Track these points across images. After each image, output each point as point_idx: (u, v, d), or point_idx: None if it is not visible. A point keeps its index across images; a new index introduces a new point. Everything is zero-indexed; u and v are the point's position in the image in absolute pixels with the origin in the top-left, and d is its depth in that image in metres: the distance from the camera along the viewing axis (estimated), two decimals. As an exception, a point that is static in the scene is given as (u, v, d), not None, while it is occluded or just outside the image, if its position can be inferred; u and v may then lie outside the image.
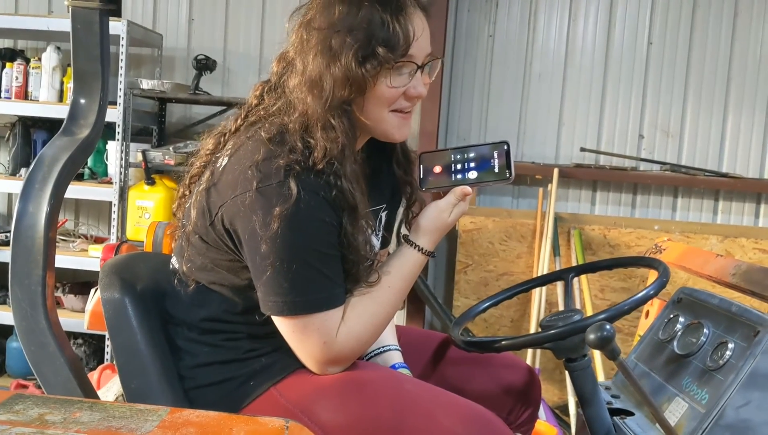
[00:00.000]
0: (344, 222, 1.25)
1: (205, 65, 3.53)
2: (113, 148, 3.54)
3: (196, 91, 3.55)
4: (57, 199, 1.46)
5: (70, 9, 1.51)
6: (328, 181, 1.23)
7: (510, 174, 1.31)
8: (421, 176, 1.39)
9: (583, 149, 3.74)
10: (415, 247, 1.34)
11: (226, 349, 1.33)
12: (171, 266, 1.42)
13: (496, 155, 1.33)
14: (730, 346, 1.31)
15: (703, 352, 1.37)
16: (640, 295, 1.30)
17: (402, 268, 1.33)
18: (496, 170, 1.33)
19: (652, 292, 1.31)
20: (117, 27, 3.40)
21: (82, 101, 1.58)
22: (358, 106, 1.28)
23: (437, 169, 1.37)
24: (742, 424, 1.24)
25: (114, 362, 1.33)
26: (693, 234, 3.64)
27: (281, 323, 1.26)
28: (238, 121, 1.36)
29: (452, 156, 1.37)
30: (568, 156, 3.81)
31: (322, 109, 1.24)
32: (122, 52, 3.43)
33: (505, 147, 1.33)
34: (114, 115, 3.45)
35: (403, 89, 1.29)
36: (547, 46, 3.81)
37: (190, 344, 1.34)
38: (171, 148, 3.50)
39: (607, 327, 1.04)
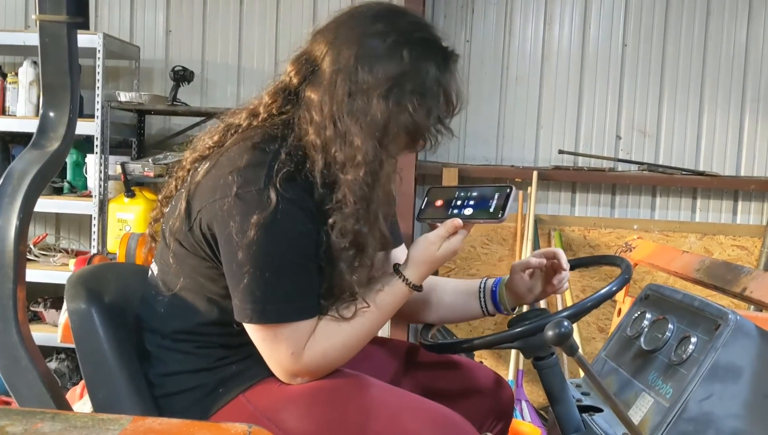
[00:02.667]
0: (345, 258, 1.25)
1: (182, 76, 3.53)
2: (92, 161, 3.54)
3: (174, 103, 3.55)
4: (26, 213, 1.46)
5: (37, 23, 1.52)
6: (346, 220, 1.24)
7: (502, 215, 1.32)
8: (422, 207, 1.44)
9: (561, 151, 3.77)
10: (401, 278, 1.33)
11: (197, 356, 1.33)
12: (150, 273, 1.42)
13: (496, 197, 1.35)
14: (693, 340, 1.33)
15: (668, 346, 1.38)
16: (602, 291, 1.32)
17: (383, 297, 1.32)
18: (491, 210, 1.34)
19: (614, 289, 1.33)
20: (93, 40, 3.41)
21: (52, 114, 1.59)
22: (396, 155, 1.33)
23: (439, 202, 1.41)
24: (704, 417, 1.25)
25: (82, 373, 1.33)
26: (672, 232, 3.68)
27: (252, 331, 1.26)
28: (245, 121, 1.33)
29: (457, 193, 1.40)
30: (546, 158, 3.83)
31: (374, 153, 1.25)
32: (99, 65, 3.43)
33: (508, 190, 1.35)
34: (92, 128, 3.45)
35: None
36: (524, 50, 3.85)
37: (162, 351, 1.34)
38: (150, 160, 3.50)
39: (565, 323, 1.05)
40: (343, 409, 1.26)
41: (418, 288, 1.34)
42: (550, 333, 1.05)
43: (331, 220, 1.22)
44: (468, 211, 1.35)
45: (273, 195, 1.19)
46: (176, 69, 3.56)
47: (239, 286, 1.23)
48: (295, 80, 1.32)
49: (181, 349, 1.33)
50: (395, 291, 1.33)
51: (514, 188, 1.34)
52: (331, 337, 1.27)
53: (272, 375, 1.30)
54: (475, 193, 1.37)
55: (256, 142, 1.26)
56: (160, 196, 1.44)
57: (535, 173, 3.64)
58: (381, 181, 1.27)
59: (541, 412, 3.39)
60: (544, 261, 1.49)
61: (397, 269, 1.34)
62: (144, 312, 1.38)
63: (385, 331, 3.35)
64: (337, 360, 1.29)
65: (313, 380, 1.29)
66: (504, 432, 1.58)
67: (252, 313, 1.23)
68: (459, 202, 1.37)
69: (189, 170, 1.37)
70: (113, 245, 3.48)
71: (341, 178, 1.24)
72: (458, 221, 1.32)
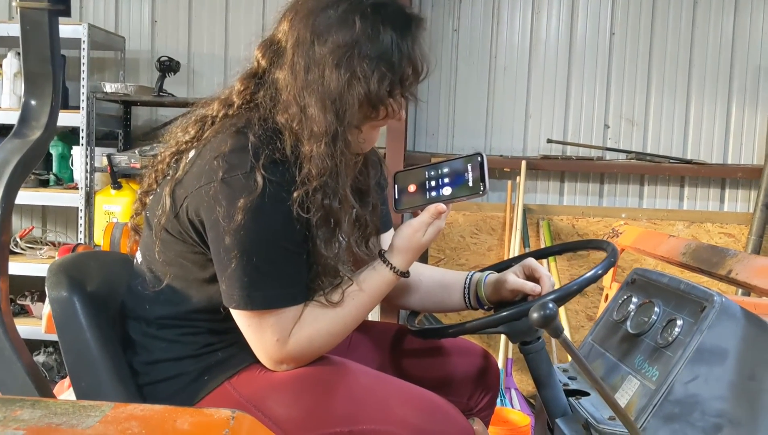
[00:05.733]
0: (320, 235, 1.24)
1: (168, 67, 3.51)
2: (78, 153, 3.51)
3: (161, 94, 3.53)
4: (8, 202, 1.44)
5: (18, 10, 1.50)
6: (313, 195, 1.22)
7: (484, 187, 1.29)
8: (396, 196, 1.38)
9: (549, 141, 3.77)
10: (387, 265, 1.32)
11: (182, 344, 1.32)
12: (135, 261, 1.41)
13: (470, 168, 1.31)
14: (679, 322, 1.32)
15: (654, 330, 1.38)
16: (587, 275, 1.31)
17: (370, 283, 1.32)
18: (470, 184, 1.30)
19: (600, 272, 1.33)
20: (78, 30, 3.38)
21: (33, 103, 1.57)
22: (360, 127, 1.30)
23: (411, 188, 1.36)
24: (690, 399, 1.25)
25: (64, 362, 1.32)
26: (660, 220, 3.69)
27: (238, 316, 1.26)
28: (221, 110, 1.32)
29: (426, 173, 1.35)
30: (535, 148, 3.83)
31: (332, 125, 1.23)
32: (84, 56, 3.41)
33: (479, 159, 1.31)
34: (77, 119, 3.42)
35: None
36: (512, 40, 3.84)
37: (147, 339, 1.33)
38: (137, 152, 3.48)
39: (550, 305, 1.05)
40: (329, 397, 1.26)
41: (405, 274, 1.34)
42: (535, 315, 1.05)
43: (296, 195, 1.20)
44: (447, 191, 1.32)
45: (259, 178, 1.18)
46: (162, 59, 3.53)
47: (226, 272, 1.22)
48: (263, 63, 1.31)
49: (165, 336, 1.32)
50: (381, 277, 1.32)
51: (484, 154, 1.31)
52: (316, 323, 1.26)
53: (258, 362, 1.29)
54: (446, 170, 1.34)
55: (240, 127, 1.25)
56: (139, 191, 1.43)
57: (523, 163, 3.64)
58: (345, 154, 1.25)
59: (531, 401, 3.40)
60: (538, 288, 1.44)
61: (382, 256, 1.34)
62: (129, 300, 1.37)
63: (375, 316, 3.35)
64: (323, 346, 1.29)
65: (298, 367, 1.28)
66: (492, 403, 1.59)
67: (239, 298, 1.22)
68: (433, 183, 1.33)
69: (169, 163, 1.35)
70: (100, 237, 3.46)
71: (304, 152, 1.22)
72: (441, 206, 1.31)
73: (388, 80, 1.26)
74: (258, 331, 1.25)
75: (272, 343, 1.24)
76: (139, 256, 1.39)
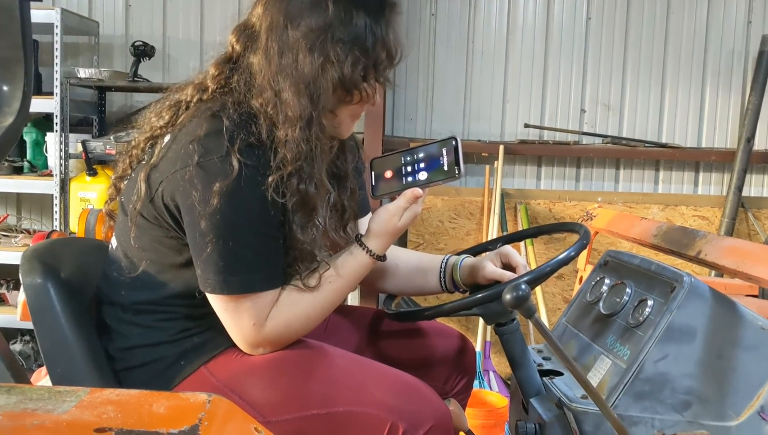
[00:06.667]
0: (296, 220, 1.24)
1: (143, 52, 3.47)
2: (52, 139, 3.47)
3: (136, 79, 3.49)
4: (-19, 189, 1.43)
5: (-14, -6, 1.48)
6: (288, 180, 1.22)
7: (459, 171, 1.30)
8: (373, 183, 1.39)
9: (527, 125, 3.79)
10: (364, 249, 1.33)
11: (158, 330, 1.32)
12: (110, 247, 1.40)
13: (444, 153, 1.32)
14: (650, 303, 1.35)
15: (626, 310, 1.41)
16: (560, 256, 1.33)
17: (347, 267, 1.32)
18: (446, 168, 1.31)
19: (572, 253, 1.34)
20: (51, 15, 3.33)
21: (5, 88, 1.54)
22: (334, 112, 1.30)
23: (388, 174, 1.37)
24: (660, 377, 1.28)
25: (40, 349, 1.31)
26: (635, 204, 3.74)
27: (215, 301, 1.26)
28: (195, 95, 1.32)
29: (402, 159, 1.36)
30: (512, 133, 3.85)
31: (307, 109, 1.23)
32: (57, 41, 3.36)
33: (454, 143, 1.32)
34: (51, 105, 3.38)
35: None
36: (489, 25, 3.84)
37: (122, 325, 1.33)
38: (112, 138, 3.44)
39: (522, 287, 1.06)
40: (306, 380, 1.27)
41: (381, 258, 1.35)
42: (508, 296, 1.06)
43: (270, 179, 1.20)
44: (423, 176, 1.33)
45: (235, 162, 1.18)
46: (137, 44, 3.49)
47: (202, 256, 1.22)
48: (237, 48, 1.31)
49: (141, 322, 1.32)
50: (358, 261, 1.33)
51: (458, 138, 1.32)
52: (293, 307, 1.27)
53: (234, 346, 1.30)
54: (421, 155, 1.35)
55: (215, 111, 1.24)
56: (113, 177, 1.42)
57: (501, 147, 3.66)
58: (320, 138, 1.25)
59: (508, 382, 3.44)
60: (506, 274, 1.46)
61: (359, 240, 1.34)
62: (104, 286, 1.37)
63: (354, 301, 3.36)
64: (299, 330, 1.29)
65: (275, 351, 1.29)
66: (469, 386, 1.61)
67: (215, 283, 1.23)
68: (409, 169, 1.35)
69: (143, 149, 1.35)
70: (76, 225, 3.43)
71: (279, 137, 1.23)
72: (418, 191, 1.32)
73: (362, 64, 1.26)
74: (234, 316, 1.25)
75: (249, 327, 1.25)
76: (114, 242, 1.39)
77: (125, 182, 1.38)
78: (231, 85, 1.29)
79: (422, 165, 1.34)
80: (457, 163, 1.30)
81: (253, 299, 1.24)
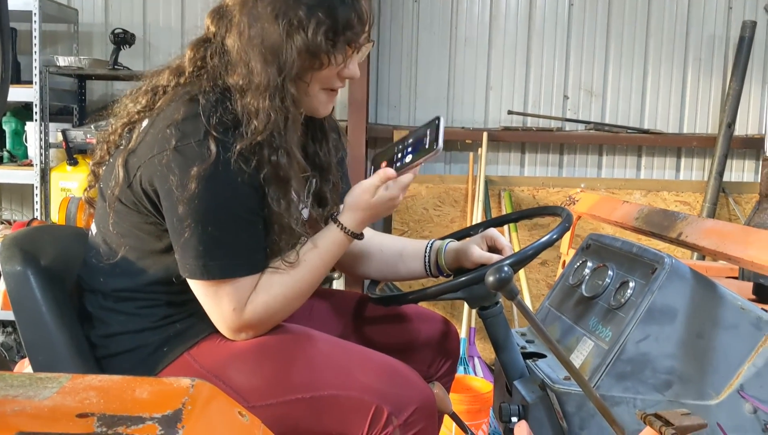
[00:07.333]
0: (271, 193, 1.23)
1: (123, 39, 3.43)
2: (32, 129, 3.42)
3: (116, 67, 3.45)
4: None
5: (-40, -21, 1.45)
6: (259, 151, 1.21)
7: (436, 145, 1.29)
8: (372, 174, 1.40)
9: (510, 112, 3.80)
10: (337, 224, 1.33)
11: (140, 317, 1.31)
12: (90, 233, 1.39)
13: (428, 133, 1.32)
14: (631, 284, 1.36)
15: (608, 292, 1.42)
16: (543, 239, 1.34)
17: (322, 245, 1.32)
18: (426, 146, 1.31)
19: (555, 236, 1.35)
20: (29, 3, 3.28)
21: (-19, 76, 1.53)
22: (304, 80, 1.28)
23: (383, 164, 1.37)
24: (641, 357, 1.29)
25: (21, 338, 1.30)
26: (618, 190, 3.76)
27: (195, 286, 1.25)
28: (172, 79, 1.31)
29: (395, 148, 1.38)
30: (496, 119, 3.86)
31: (275, 78, 1.22)
32: (35, 29, 3.31)
33: (436, 122, 1.32)
34: (30, 94, 3.33)
35: (338, 69, 1.30)
36: (472, 11, 3.84)
37: (104, 312, 1.32)
38: (93, 127, 3.40)
39: (505, 269, 1.07)
40: (290, 364, 1.27)
41: (357, 235, 1.34)
42: (491, 278, 1.07)
43: (239, 147, 1.19)
44: (408, 159, 1.33)
45: (213, 146, 1.17)
46: (116, 32, 3.45)
47: (180, 241, 1.21)
48: (212, 29, 1.31)
49: (123, 309, 1.31)
50: (333, 238, 1.33)
51: (441, 118, 1.32)
52: (271, 288, 1.27)
53: (217, 332, 1.29)
54: (411, 140, 1.36)
55: (194, 95, 1.24)
56: (91, 163, 1.40)
57: (485, 134, 3.67)
58: (289, 108, 1.24)
59: (493, 368, 3.46)
60: (494, 257, 1.47)
61: (333, 217, 1.35)
62: (84, 273, 1.36)
63: (339, 287, 3.36)
64: (279, 312, 1.29)
65: (257, 335, 1.29)
66: (452, 370, 1.62)
67: (195, 268, 1.22)
68: (399, 155, 1.36)
69: (121, 134, 1.34)
70: (57, 215, 3.40)
71: (249, 108, 1.22)
72: (389, 171, 1.31)
73: (325, 26, 1.25)
74: (215, 301, 1.25)
75: (229, 312, 1.25)
76: (93, 229, 1.38)
77: (104, 168, 1.36)
78: (206, 66, 1.28)
79: (410, 149, 1.35)
80: (436, 139, 1.30)
81: (233, 284, 1.23)
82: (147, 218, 1.27)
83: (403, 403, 1.24)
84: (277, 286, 1.27)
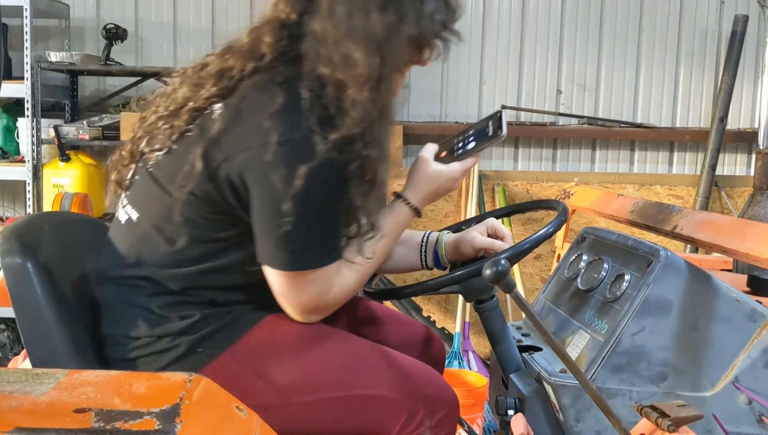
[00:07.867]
0: (353, 185, 1.21)
1: (115, 35, 3.41)
2: (24, 125, 3.40)
3: (108, 62, 3.43)
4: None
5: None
6: (352, 144, 1.19)
7: (501, 131, 1.33)
8: None
9: (504, 106, 3.80)
10: (402, 200, 1.34)
11: (177, 315, 1.25)
12: (124, 219, 1.31)
13: (490, 123, 1.36)
14: (627, 277, 1.37)
15: (603, 285, 1.43)
16: (539, 233, 1.34)
17: (387, 224, 1.32)
18: (490, 134, 1.35)
19: (551, 230, 1.36)
20: (20, -2, 3.26)
21: (-27, 72, 1.52)
22: (402, 71, 1.28)
23: (443, 154, 1.40)
24: (637, 349, 1.30)
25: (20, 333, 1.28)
26: (611, 184, 3.77)
27: (278, 276, 1.22)
28: (248, 64, 1.24)
29: (455, 138, 1.41)
30: (490, 114, 3.85)
31: (377, 69, 1.19)
32: (27, 24, 3.29)
33: (498, 114, 1.36)
34: (22, 90, 3.32)
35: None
36: (465, 5, 3.83)
37: (134, 309, 1.25)
38: (85, 123, 3.39)
39: (502, 262, 1.07)
40: (328, 363, 1.27)
41: (419, 211, 1.35)
42: (487, 271, 1.07)
43: (335, 139, 1.16)
44: (471, 145, 1.37)
45: (317, 141, 1.15)
46: (108, 27, 3.43)
47: (274, 234, 1.18)
48: (293, 15, 1.24)
49: (160, 305, 1.25)
50: (398, 214, 1.34)
51: (503, 111, 1.39)
52: (352, 268, 1.27)
53: (249, 329, 1.27)
54: (472, 131, 1.39)
55: (285, 84, 1.19)
56: (129, 141, 1.34)
57: (478, 129, 3.66)
58: (387, 102, 1.23)
59: (488, 362, 3.47)
60: (505, 246, 1.47)
61: (396, 193, 1.36)
62: (110, 264, 1.29)
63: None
64: (354, 291, 1.31)
65: (326, 316, 1.29)
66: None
67: (287, 261, 1.20)
68: (461, 144, 1.39)
69: (187, 121, 1.25)
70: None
71: (347, 100, 1.19)
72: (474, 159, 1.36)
73: (436, 18, 1.24)
74: (298, 288, 1.23)
75: (312, 297, 1.24)
76: (133, 214, 1.30)
77: (157, 154, 1.28)
78: (293, 53, 1.23)
79: (471, 138, 1.38)
80: (500, 127, 1.33)
81: (321, 272, 1.23)
82: (220, 207, 1.22)
83: (436, 406, 1.27)
84: (355, 269, 1.27)
